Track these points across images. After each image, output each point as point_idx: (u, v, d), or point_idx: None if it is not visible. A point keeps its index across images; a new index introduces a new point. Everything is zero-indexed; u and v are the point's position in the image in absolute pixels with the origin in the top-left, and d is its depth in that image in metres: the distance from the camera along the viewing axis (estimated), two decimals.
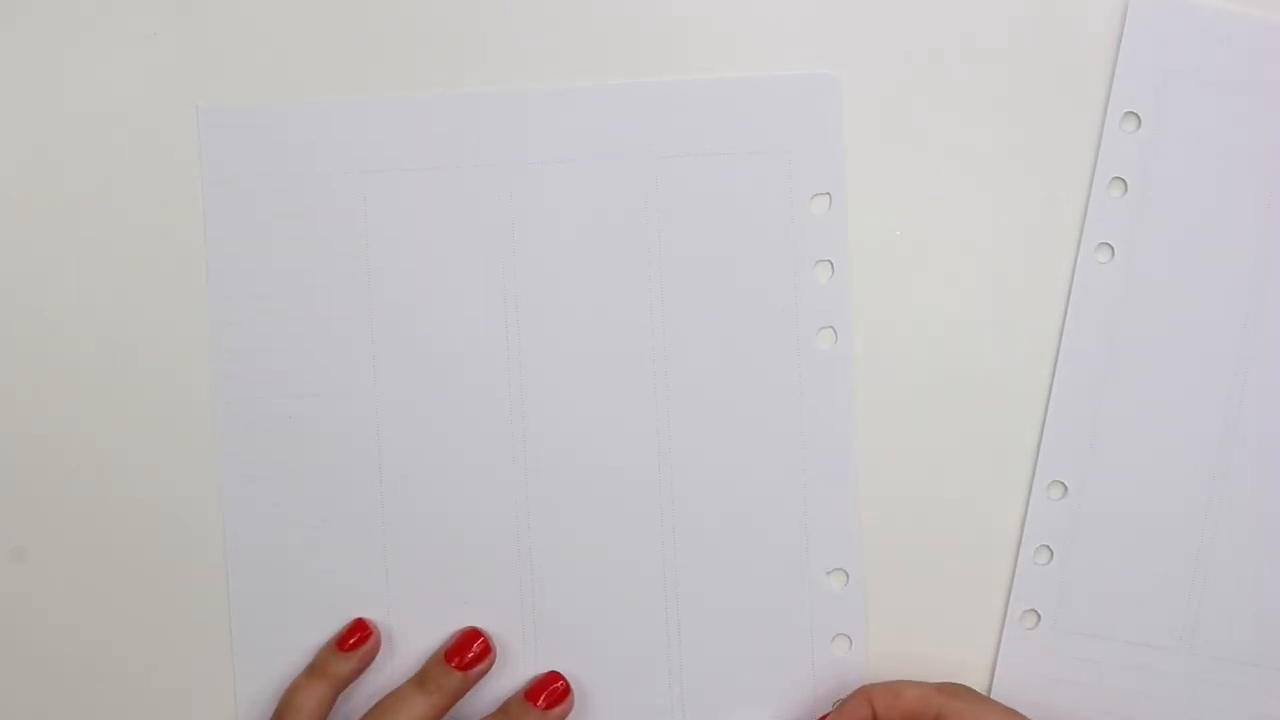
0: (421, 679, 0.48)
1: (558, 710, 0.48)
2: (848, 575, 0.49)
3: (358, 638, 0.48)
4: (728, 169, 0.48)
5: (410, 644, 0.49)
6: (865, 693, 0.46)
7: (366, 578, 0.49)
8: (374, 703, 0.48)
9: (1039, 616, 0.49)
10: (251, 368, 0.49)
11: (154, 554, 0.50)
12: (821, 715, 0.47)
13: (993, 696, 0.49)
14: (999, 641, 0.49)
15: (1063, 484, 0.49)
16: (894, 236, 0.49)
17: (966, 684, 0.46)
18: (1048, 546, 0.49)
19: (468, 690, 0.48)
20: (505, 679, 0.49)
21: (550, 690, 0.48)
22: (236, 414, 0.49)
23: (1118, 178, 0.48)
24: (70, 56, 0.49)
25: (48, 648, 0.50)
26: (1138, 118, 0.48)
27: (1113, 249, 0.48)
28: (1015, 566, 0.49)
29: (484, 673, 0.48)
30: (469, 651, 0.48)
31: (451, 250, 0.49)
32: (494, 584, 0.49)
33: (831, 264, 0.48)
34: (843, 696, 0.48)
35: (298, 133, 0.49)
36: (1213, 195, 0.48)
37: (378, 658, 0.49)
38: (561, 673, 0.49)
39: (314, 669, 0.48)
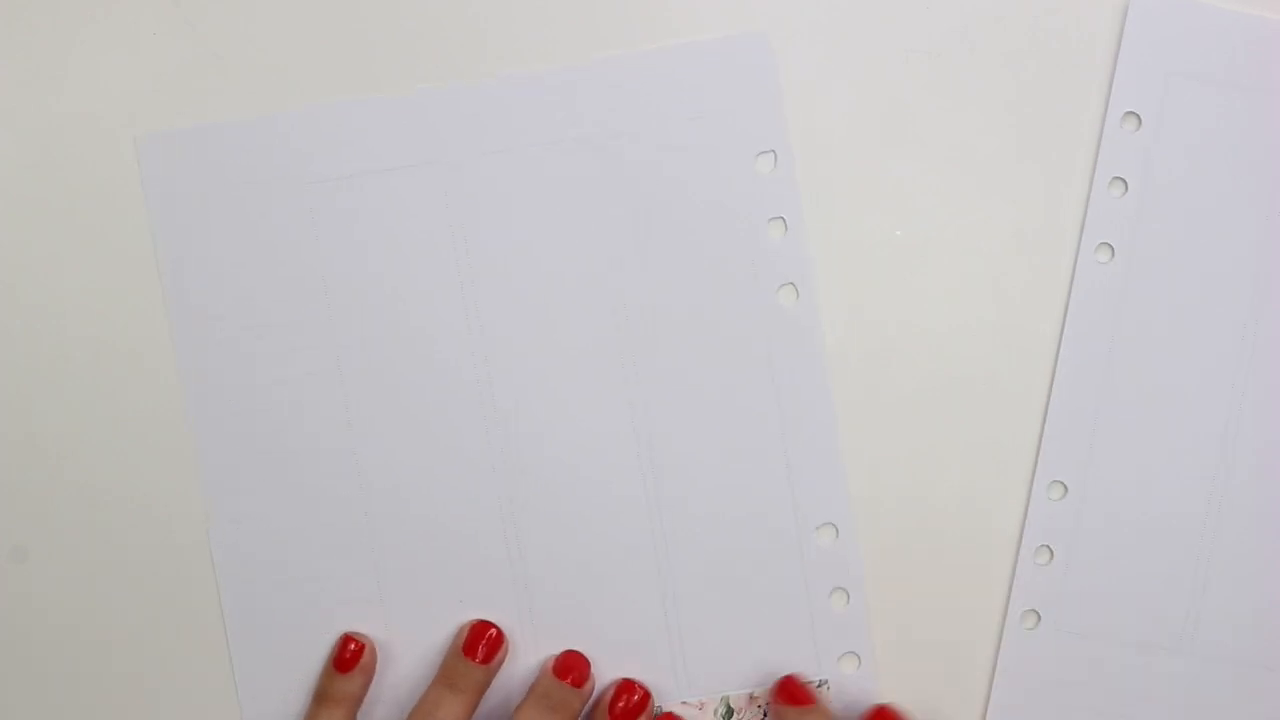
0: (449, 679, 0.47)
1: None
2: (837, 529, 0.49)
3: (352, 650, 0.48)
4: (670, 138, 0.48)
5: (409, 647, 0.49)
6: None
7: (358, 583, 0.49)
8: (379, 707, 0.48)
9: (1039, 617, 0.49)
10: (221, 385, 0.49)
11: (155, 554, 0.50)
12: None
13: (993, 696, 0.49)
14: (999, 642, 0.49)
15: (1063, 484, 0.49)
16: (894, 236, 0.49)
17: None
18: (1048, 547, 0.49)
19: (491, 682, 0.48)
20: (505, 671, 0.49)
21: (630, 700, 0.48)
22: (213, 431, 0.49)
23: (1118, 178, 0.48)
24: (71, 56, 0.49)
25: (48, 648, 0.50)
26: (1138, 118, 0.48)
27: (1113, 249, 0.48)
28: (1015, 566, 0.49)
29: (502, 661, 0.48)
30: (486, 640, 0.48)
31: (410, 251, 0.49)
32: (486, 578, 0.49)
33: (784, 220, 0.48)
34: (849, 657, 0.48)
35: (241, 149, 0.49)
36: (1213, 195, 0.48)
37: (380, 662, 0.49)
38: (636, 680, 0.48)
39: (322, 697, 0.48)
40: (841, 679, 0.49)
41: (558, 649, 0.49)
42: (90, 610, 0.50)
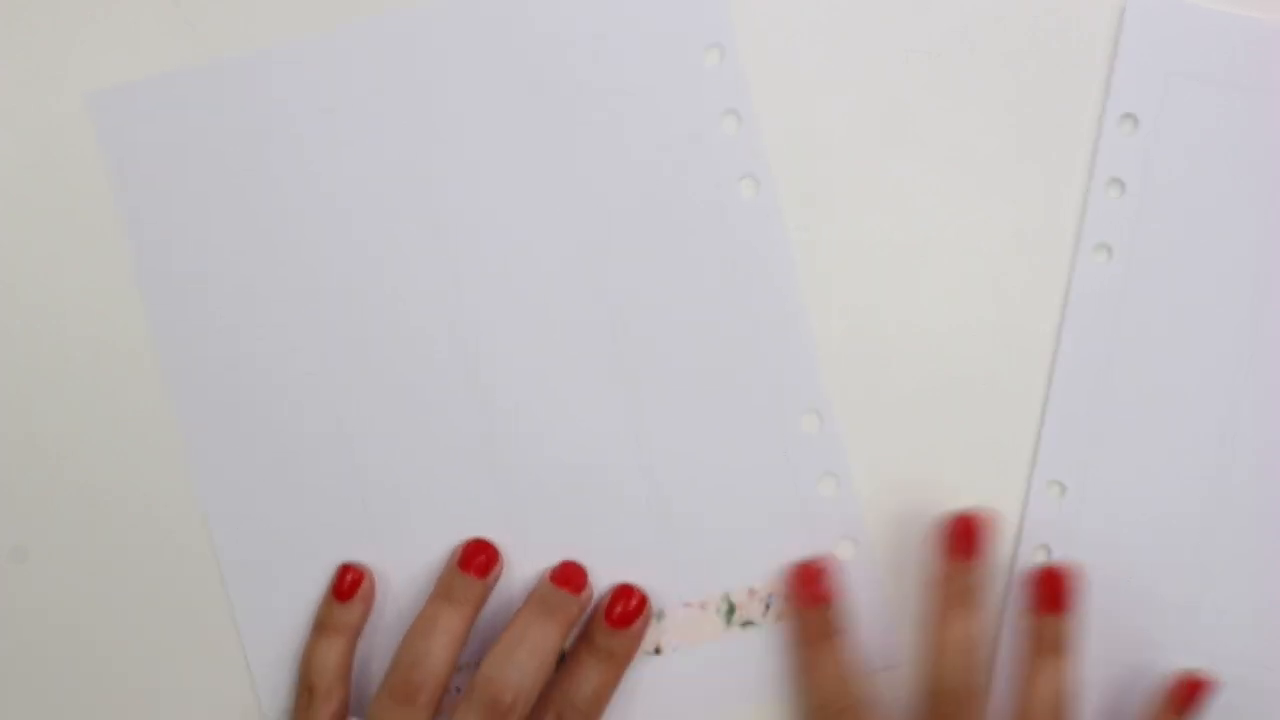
0: (446, 592, 0.47)
1: (638, 624, 0.47)
2: (820, 416, 0.49)
3: (351, 579, 0.48)
4: (618, 42, 0.48)
5: (404, 585, 0.49)
6: None
7: (354, 542, 0.49)
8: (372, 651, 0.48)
9: None
10: (205, 371, 0.49)
11: (155, 554, 0.50)
12: None
13: (993, 696, 0.49)
14: (999, 642, 0.49)
15: (1061, 484, 0.49)
16: (894, 237, 0.49)
17: None
18: (1047, 546, 0.49)
19: (488, 597, 0.48)
20: (502, 593, 0.49)
21: (627, 606, 0.47)
22: (205, 430, 0.49)
23: (1116, 178, 0.48)
24: (71, 56, 0.49)
25: (48, 648, 0.50)
26: (1136, 118, 0.48)
27: (1111, 249, 0.48)
28: (1015, 566, 0.49)
29: (498, 577, 0.48)
30: (481, 557, 0.47)
31: (371, 186, 0.49)
32: (478, 508, 0.49)
33: (737, 114, 0.49)
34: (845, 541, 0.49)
35: (194, 102, 0.49)
36: (1212, 195, 0.48)
37: (379, 603, 0.49)
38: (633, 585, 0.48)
39: (322, 627, 0.48)
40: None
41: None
42: (90, 610, 0.50)
